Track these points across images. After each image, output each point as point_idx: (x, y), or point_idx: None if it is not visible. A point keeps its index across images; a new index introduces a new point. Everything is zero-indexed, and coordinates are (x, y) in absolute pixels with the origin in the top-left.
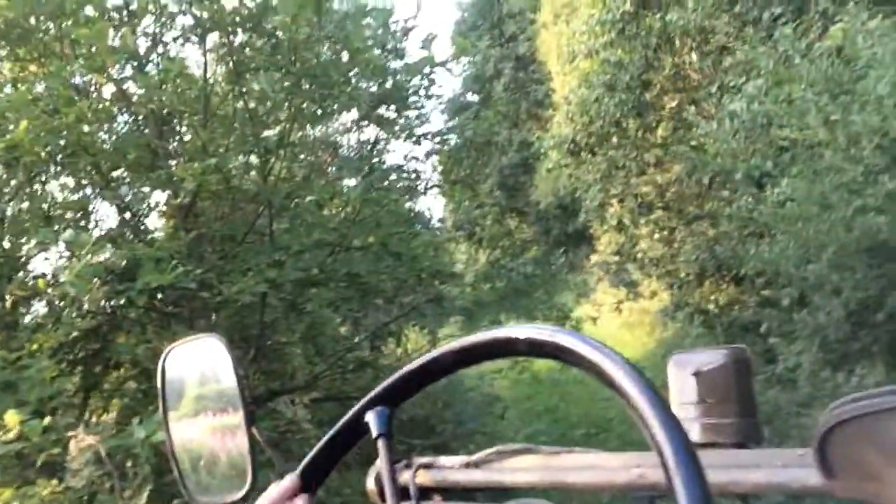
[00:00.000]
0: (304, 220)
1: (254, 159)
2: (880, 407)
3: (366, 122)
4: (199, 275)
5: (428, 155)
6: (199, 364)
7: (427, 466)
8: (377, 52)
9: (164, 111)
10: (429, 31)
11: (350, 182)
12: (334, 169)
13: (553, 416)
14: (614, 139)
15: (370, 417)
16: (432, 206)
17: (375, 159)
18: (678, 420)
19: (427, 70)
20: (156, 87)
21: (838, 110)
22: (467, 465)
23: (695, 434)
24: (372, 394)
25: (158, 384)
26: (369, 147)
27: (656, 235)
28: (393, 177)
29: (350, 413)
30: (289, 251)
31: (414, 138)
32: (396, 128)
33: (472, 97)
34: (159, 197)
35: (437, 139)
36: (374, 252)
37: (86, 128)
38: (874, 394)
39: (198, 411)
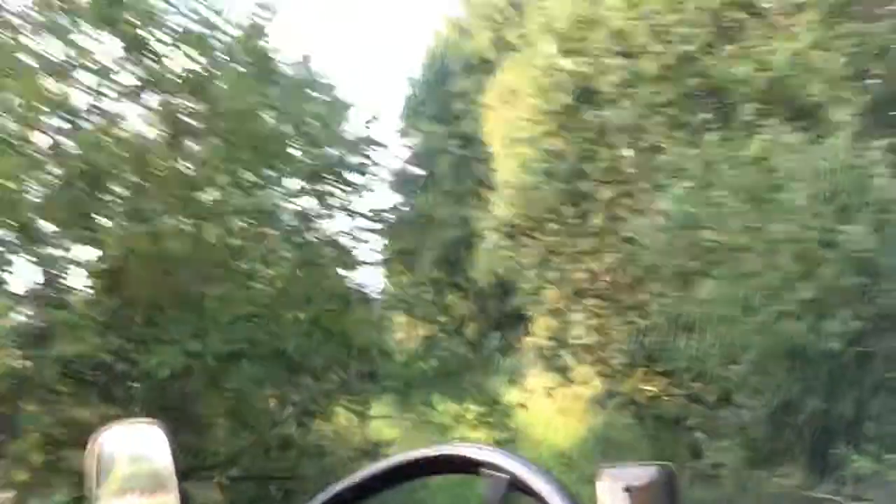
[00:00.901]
0: (232, 292)
1: (186, 224)
2: None
3: (302, 194)
4: (117, 345)
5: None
6: (134, 445)
7: None
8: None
9: (98, 169)
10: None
11: (286, 254)
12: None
13: None
14: (551, 225)
15: None
16: (372, 280)
17: (311, 232)
18: None
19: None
20: (92, 143)
21: (758, 217)
22: None
23: None
24: (347, 481)
25: (92, 462)
26: (305, 219)
27: (589, 323)
28: (330, 250)
29: (325, 497)
30: (215, 322)
31: (350, 214)
32: (333, 201)
33: (419, 171)
34: (89, 257)
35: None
36: (304, 327)
37: (11, 184)
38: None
39: (125, 490)
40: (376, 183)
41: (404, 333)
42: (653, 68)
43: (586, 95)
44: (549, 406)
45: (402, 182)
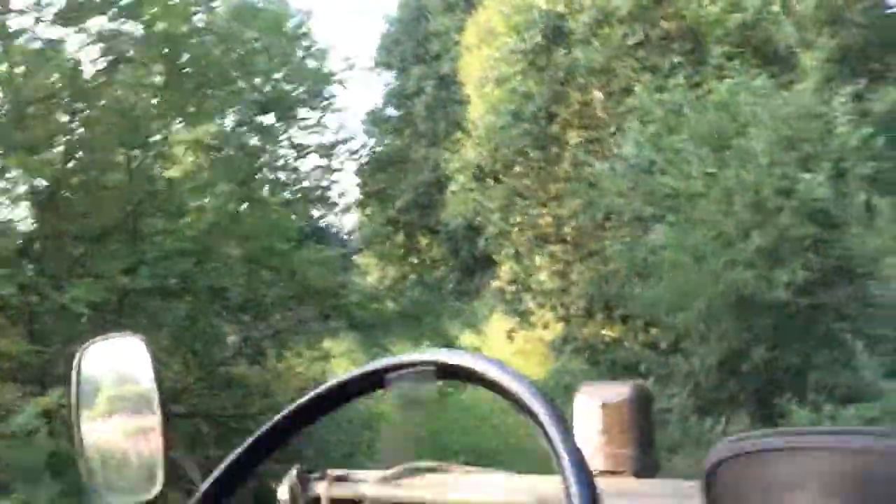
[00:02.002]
0: (166, 225)
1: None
2: (763, 447)
3: (244, 128)
4: (31, 278)
5: (329, 170)
6: (117, 363)
7: (341, 479)
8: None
9: (30, 96)
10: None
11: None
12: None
13: (433, 442)
14: (517, 168)
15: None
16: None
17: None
18: (580, 450)
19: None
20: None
21: (716, 164)
22: (380, 480)
23: (597, 462)
24: (286, 411)
25: (72, 381)
26: (246, 153)
27: (552, 268)
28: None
29: (260, 431)
30: (144, 257)
31: (302, 150)
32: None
33: (393, 112)
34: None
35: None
36: (244, 265)
37: None
38: (759, 434)
39: (112, 411)
40: (350, 121)
41: (377, 273)
42: (625, 7)
43: (558, 35)
44: (509, 349)
45: (376, 122)
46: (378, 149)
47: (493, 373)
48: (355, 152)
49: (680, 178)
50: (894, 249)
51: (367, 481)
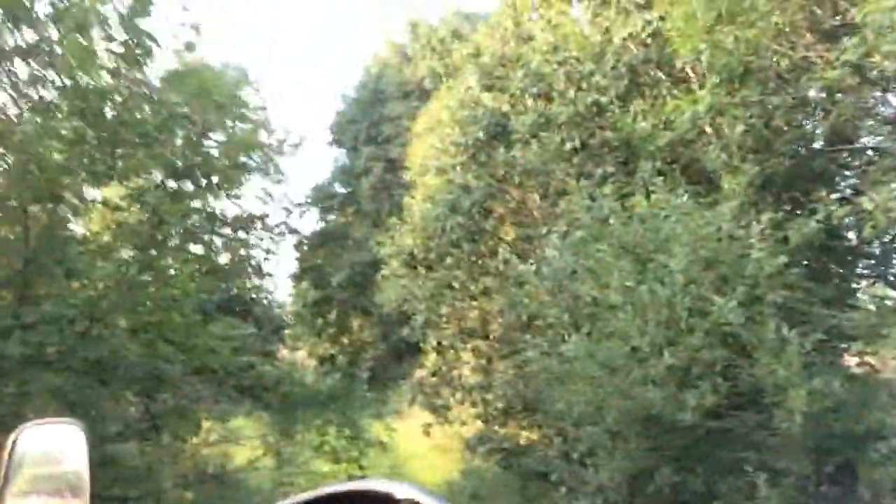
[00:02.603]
0: (55, 289)
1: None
2: None
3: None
4: None
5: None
6: (48, 445)
7: None
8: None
9: None
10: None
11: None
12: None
13: None
14: (449, 260)
15: None
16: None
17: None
18: None
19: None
20: None
21: (636, 277)
22: None
23: None
24: None
25: (4, 460)
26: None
27: (475, 363)
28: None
29: None
30: (21, 321)
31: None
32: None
33: (340, 189)
34: None
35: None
36: (134, 336)
37: None
38: None
39: (31, 492)
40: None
41: (307, 350)
42: (565, 114)
43: (500, 133)
44: (425, 444)
45: (321, 198)
46: (319, 224)
47: None
48: (293, 231)
49: (599, 288)
50: (800, 383)
51: None
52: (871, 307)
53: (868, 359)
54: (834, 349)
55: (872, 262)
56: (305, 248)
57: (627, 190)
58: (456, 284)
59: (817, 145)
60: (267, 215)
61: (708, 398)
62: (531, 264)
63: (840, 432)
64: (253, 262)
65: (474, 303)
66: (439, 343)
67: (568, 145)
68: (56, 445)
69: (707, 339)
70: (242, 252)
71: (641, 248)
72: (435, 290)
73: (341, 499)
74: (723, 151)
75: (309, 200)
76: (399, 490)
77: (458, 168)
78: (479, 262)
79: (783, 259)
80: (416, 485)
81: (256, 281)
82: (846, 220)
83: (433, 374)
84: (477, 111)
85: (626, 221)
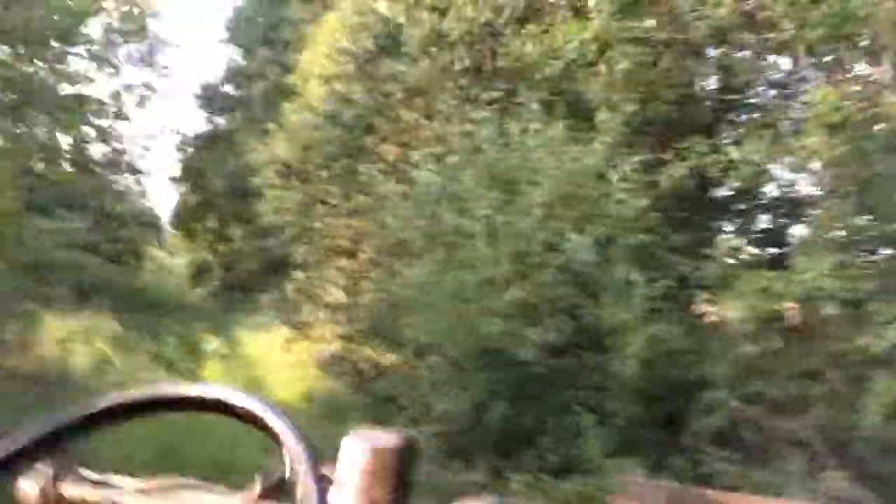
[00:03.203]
0: None
1: None
2: None
3: None
4: None
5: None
6: None
7: (95, 483)
8: None
9: None
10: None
11: None
12: None
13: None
14: (324, 173)
15: None
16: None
17: None
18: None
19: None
20: None
21: (500, 209)
22: (139, 490)
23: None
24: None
25: None
26: None
27: (341, 282)
28: None
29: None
30: None
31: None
32: None
33: (231, 90)
34: None
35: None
36: None
37: None
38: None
39: None
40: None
41: (188, 257)
42: (458, 30)
43: (391, 45)
44: (285, 360)
45: (210, 98)
46: (203, 127)
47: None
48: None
49: (462, 216)
50: (639, 327)
51: (123, 489)
52: (725, 259)
53: (714, 309)
54: (683, 298)
55: (736, 217)
56: (189, 149)
57: (508, 119)
58: (330, 200)
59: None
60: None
61: (550, 335)
62: (403, 186)
63: (673, 380)
64: (126, 158)
65: (346, 221)
66: (305, 259)
67: (457, 66)
68: None
69: (557, 275)
70: (117, 145)
71: (510, 179)
72: (305, 203)
73: (170, 402)
74: (606, 87)
75: (197, 99)
76: (228, 395)
77: (343, 78)
78: (356, 179)
79: (645, 202)
80: (246, 392)
81: (130, 178)
82: (716, 170)
83: (297, 291)
84: (369, 18)
85: (500, 149)
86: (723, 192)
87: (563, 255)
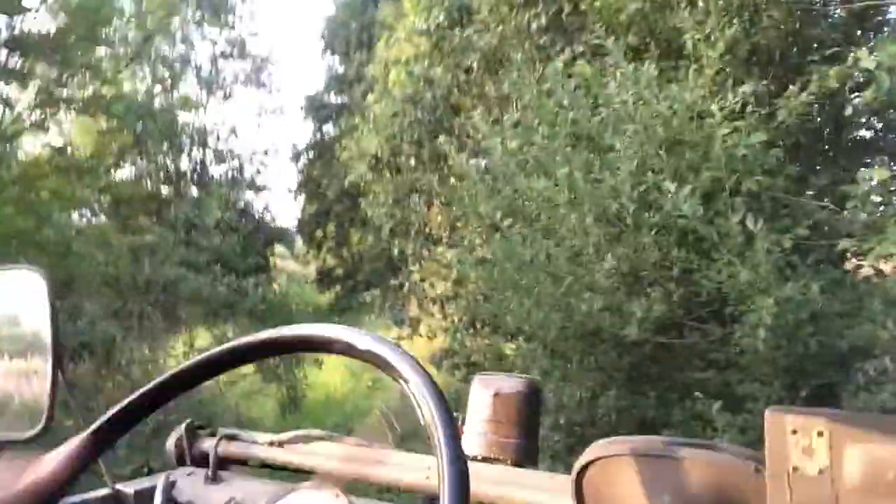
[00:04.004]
0: None
1: None
2: (626, 452)
3: None
4: None
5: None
6: (9, 298)
7: (231, 438)
8: None
9: None
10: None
11: None
12: None
13: None
14: (413, 161)
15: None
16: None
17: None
18: (459, 438)
19: None
20: None
21: (580, 165)
22: (271, 444)
23: (482, 448)
24: (177, 369)
25: None
26: None
27: (443, 272)
28: None
29: (150, 384)
30: None
31: None
32: None
33: (334, 98)
34: None
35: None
36: None
37: None
38: (626, 440)
39: None
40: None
41: (315, 264)
42: None
43: (465, 16)
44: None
45: (315, 108)
46: (312, 137)
47: (386, 354)
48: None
49: (544, 180)
50: (766, 289)
51: (258, 443)
52: (872, 198)
53: (866, 261)
54: (823, 250)
55: (881, 148)
56: (302, 160)
57: (589, 68)
58: (423, 188)
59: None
60: None
61: (657, 308)
62: (473, 158)
63: (820, 351)
64: (245, 175)
65: (440, 208)
66: (401, 252)
67: (534, 25)
68: (17, 298)
69: (659, 236)
70: (234, 164)
71: (596, 133)
72: (400, 195)
73: (284, 345)
74: (700, 15)
75: (303, 111)
76: (354, 337)
77: (420, 59)
78: (445, 163)
79: (760, 137)
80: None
81: (251, 194)
82: (849, 87)
83: (400, 286)
84: None
85: (580, 101)
86: (862, 118)
87: (662, 211)
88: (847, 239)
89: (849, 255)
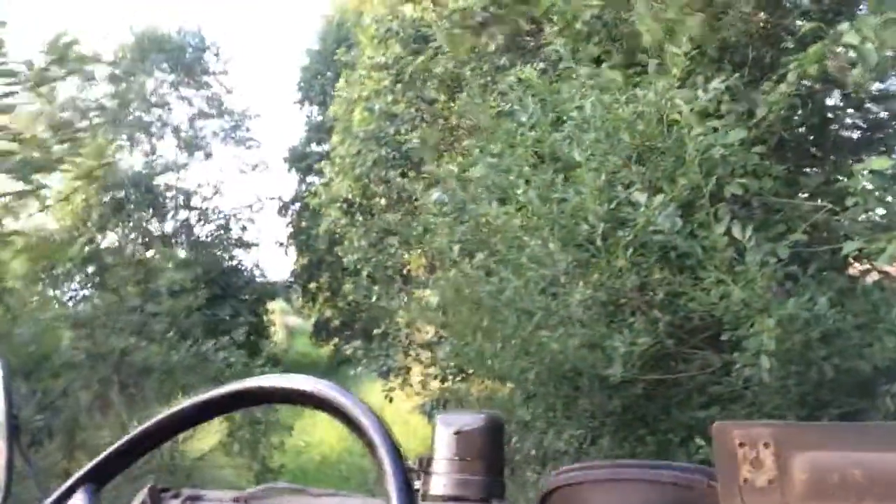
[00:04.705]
0: None
1: None
2: (587, 479)
3: None
4: None
5: None
6: None
7: (195, 498)
8: None
9: None
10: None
11: None
12: None
13: None
14: (383, 201)
15: (78, 497)
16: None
17: None
18: (409, 485)
19: None
20: None
21: (533, 186)
22: (236, 501)
23: (448, 487)
24: (84, 469)
25: None
26: None
27: (428, 316)
28: None
29: (60, 490)
30: None
31: None
32: None
33: (316, 147)
34: None
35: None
36: None
37: None
38: (586, 466)
39: None
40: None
41: (313, 317)
42: (481, 2)
43: (421, 44)
44: (392, 413)
45: (298, 159)
46: (297, 188)
47: (340, 402)
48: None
49: (504, 206)
50: (767, 307)
51: (223, 501)
52: (871, 192)
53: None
54: (823, 257)
55: (878, 139)
56: (289, 213)
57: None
58: (394, 228)
59: None
60: None
61: (641, 341)
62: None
63: (836, 374)
64: (232, 235)
65: (418, 246)
66: (378, 298)
67: (492, 45)
68: None
69: (637, 257)
70: (220, 222)
71: (560, 150)
72: (374, 239)
73: (245, 395)
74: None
75: (286, 162)
76: (307, 384)
77: (381, 94)
78: (413, 200)
79: (740, 134)
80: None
81: (240, 253)
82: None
83: (384, 334)
84: (396, 24)
85: (534, 114)
86: (848, 109)
87: (635, 227)
88: (851, 241)
89: (850, 259)
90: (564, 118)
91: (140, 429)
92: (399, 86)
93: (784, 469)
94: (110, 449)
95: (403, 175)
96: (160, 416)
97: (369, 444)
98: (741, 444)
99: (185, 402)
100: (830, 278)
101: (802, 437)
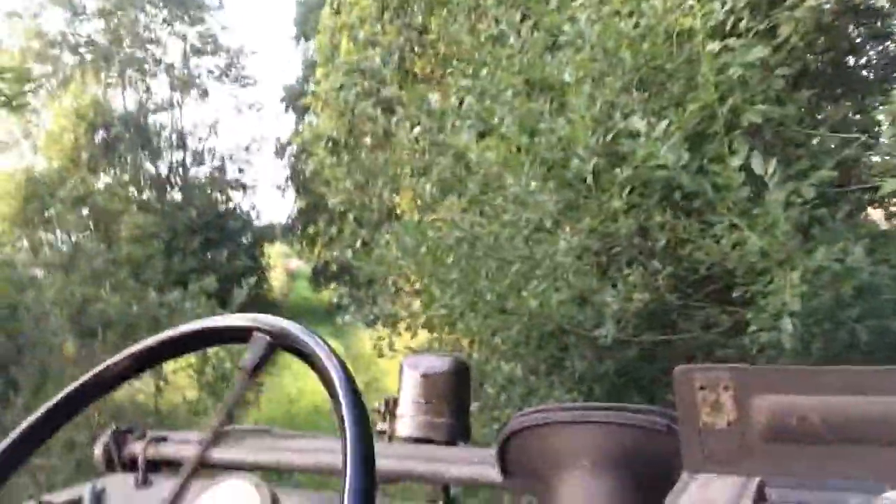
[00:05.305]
0: None
1: None
2: (546, 420)
3: None
4: None
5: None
6: None
7: (159, 440)
8: None
9: None
10: None
11: None
12: None
13: None
14: (369, 139)
15: None
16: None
17: None
18: (367, 416)
19: None
20: None
21: (518, 115)
22: (200, 442)
23: (414, 429)
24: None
25: None
26: None
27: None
28: None
29: (58, 396)
30: None
31: None
32: None
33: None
34: None
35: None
36: None
37: None
38: (548, 408)
39: None
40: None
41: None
42: None
43: None
44: (378, 366)
45: (295, 96)
46: (298, 128)
47: (290, 332)
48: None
49: (488, 139)
50: (790, 257)
51: (188, 442)
52: None
53: None
54: (857, 195)
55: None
56: (286, 154)
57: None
58: (381, 168)
59: None
60: None
61: (637, 297)
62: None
63: (871, 338)
64: (227, 175)
65: (409, 183)
66: (365, 243)
67: None
68: None
69: (635, 197)
70: (216, 164)
71: (552, 77)
72: (357, 179)
73: (195, 337)
74: None
75: (283, 102)
76: (241, 321)
77: (367, 21)
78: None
79: (760, 52)
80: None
81: (237, 195)
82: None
83: (369, 282)
84: None
85: (526, 37)
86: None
87: (634, 161)
88: (894, 178)
89: (874, 203)
90: (560, 39)
91: (105, 365)
92: (386, 14)
93: (743, 412)
94: (49, 404)
95: (388, 111)
96: (106, 364)
97: (320, 372)
98: (701, 388)
99: (146, 341)
100: (863, 224)
101: (762, 381)
